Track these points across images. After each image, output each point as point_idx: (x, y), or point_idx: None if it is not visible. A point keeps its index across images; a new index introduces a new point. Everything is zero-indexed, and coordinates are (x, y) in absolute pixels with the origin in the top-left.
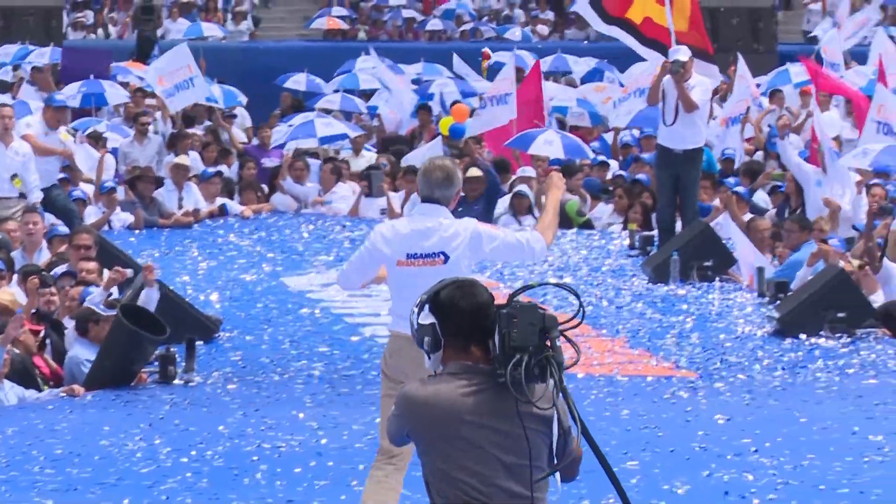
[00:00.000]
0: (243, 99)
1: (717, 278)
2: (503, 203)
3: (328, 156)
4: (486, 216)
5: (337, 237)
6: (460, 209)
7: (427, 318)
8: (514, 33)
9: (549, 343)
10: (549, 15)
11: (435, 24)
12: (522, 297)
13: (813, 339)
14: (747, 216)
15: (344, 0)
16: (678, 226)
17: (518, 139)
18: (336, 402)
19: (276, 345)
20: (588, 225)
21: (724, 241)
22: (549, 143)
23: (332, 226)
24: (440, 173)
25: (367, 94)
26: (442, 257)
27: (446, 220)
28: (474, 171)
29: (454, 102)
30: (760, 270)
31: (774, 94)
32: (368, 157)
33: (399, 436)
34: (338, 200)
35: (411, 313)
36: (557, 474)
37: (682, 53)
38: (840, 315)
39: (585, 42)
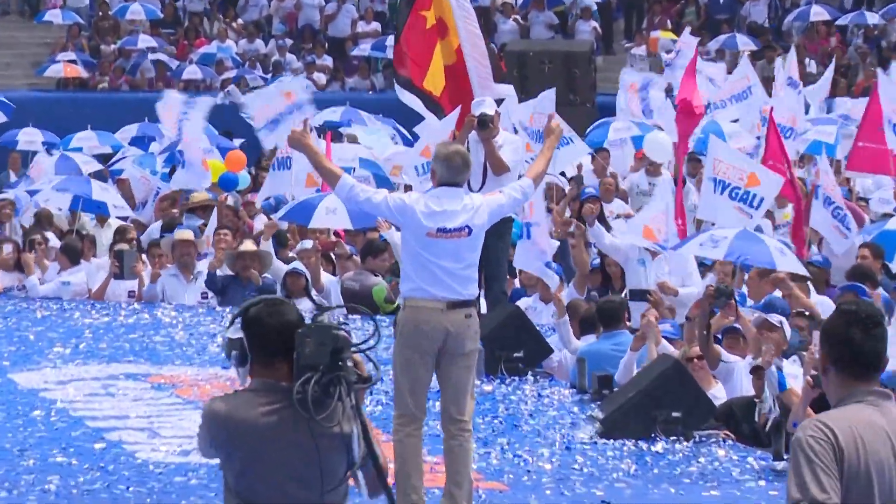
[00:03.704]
0: None
1: (530, 372)
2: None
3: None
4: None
5: (76, 325)
6: (233, 287)
7: (236, 333)
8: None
9: (341, 363)
10: (328, 60)
11: (192, 71)
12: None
13: (643, 444)
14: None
15: (82, 43)
16: (483, 308)
17: (295, 210)
18: None
19: (4, 454)
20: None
21: (538, 328)
22: (331, 213)
23: (70, 312)
24: (459, 159)
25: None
26: (467, 230)
27: (467, 200)
28: (248, 245)
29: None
30: (581, 362)
31: (598, 154)
32: (117, 226)
33: (206, 448)
34: (77, 283)
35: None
36: (365, 487)
37: (487, 106)
38: (675, 414)
39: (370, 92)
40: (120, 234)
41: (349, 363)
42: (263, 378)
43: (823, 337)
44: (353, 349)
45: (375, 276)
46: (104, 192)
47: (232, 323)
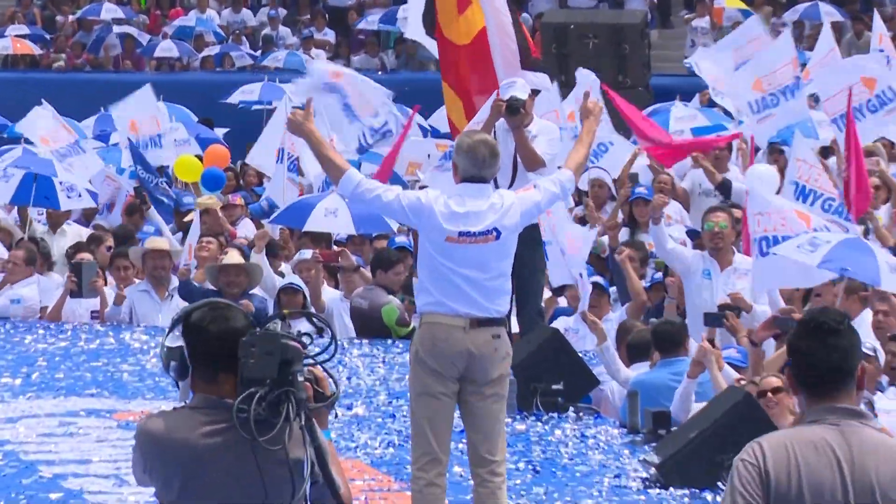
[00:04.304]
0: None
1: (571, 407)
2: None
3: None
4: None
5: (28, 350)
6: None
7: (175, 341)
8: (278, 58)
9: (291, 377)
10: (329, 35)
11: (166, 47)
12: None
13: (708, 495)
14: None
15: (34, 13)
16: (514, 330)
17: (288, 212)
18: None
19: None
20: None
21: (581, 355)
22: (331, 214)
23: (21, 335)
24: (485, 149)
25: None
26: (495, 233)
27: (495, 198)
28: (234, 257)
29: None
30: (632, 396)
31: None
32: (74, 233)
33: (140, 474)
34: (29, 298)
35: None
36: None
37: (519, 88)
38: None
39: (380, 73)
40: (95, 242)
41: (301, 377)
42: (206, 393)
43: (788, 351)
44: (306, 361)
45: (390, 293)
46: (66, 174)
47: (171, 329)
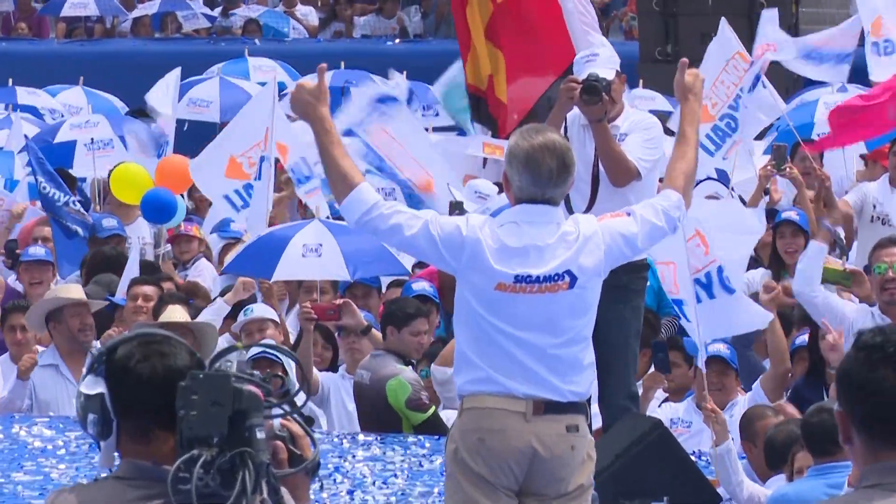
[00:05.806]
0: None
1: None
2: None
3: None
4: None
5: None
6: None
7: (95, 387)
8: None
9: (247, 434)
10: None
11: (81, 3)
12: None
13: None
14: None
15: None
16: (596, 420)
17: (249, 253)
18: None
19: None
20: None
21: (694, 459)
22: (312, 253)
23: None
24: (551, 160)
25: None
26: (568, 279)
27: (568, 226)
28: (177, 313)
29: None
30: None
31: (799, 147)
32: None
33: None
34: None
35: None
36: None
37: (601, 63)
38: None
39: (398, 41)
40: None
41: (261, 434)
42: (136, 458)
43: (841, 385)
44: (267, 411)
45: (406, 363)
46: None
47: (90, 371)
